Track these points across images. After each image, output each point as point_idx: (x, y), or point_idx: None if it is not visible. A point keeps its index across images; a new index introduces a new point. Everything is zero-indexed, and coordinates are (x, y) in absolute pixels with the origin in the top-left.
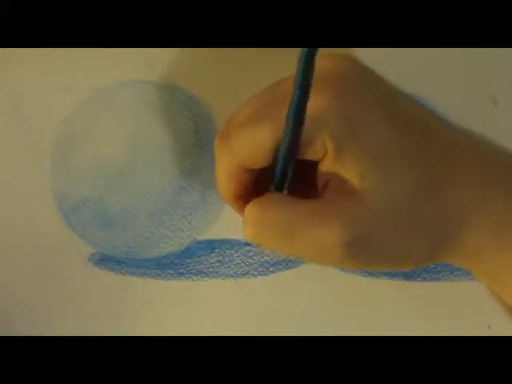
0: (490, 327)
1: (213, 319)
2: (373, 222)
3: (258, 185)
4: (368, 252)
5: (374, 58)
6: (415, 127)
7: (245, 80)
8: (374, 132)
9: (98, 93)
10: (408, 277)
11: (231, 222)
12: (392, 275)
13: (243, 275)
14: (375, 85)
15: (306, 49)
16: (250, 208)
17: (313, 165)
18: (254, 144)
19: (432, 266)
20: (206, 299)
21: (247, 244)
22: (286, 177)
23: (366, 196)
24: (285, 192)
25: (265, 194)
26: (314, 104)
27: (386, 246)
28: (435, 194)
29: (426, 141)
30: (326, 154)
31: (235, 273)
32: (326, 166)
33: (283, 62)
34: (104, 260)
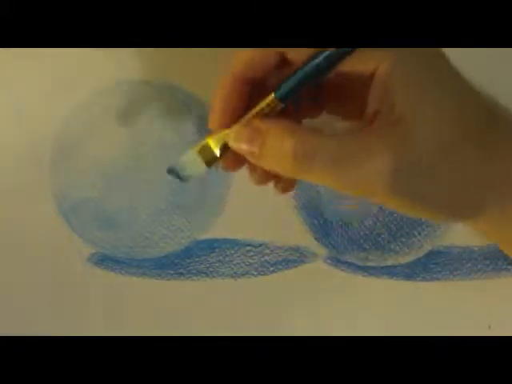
0: (489, 327)
1: (213, 319)
2: (420, 153)
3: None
4: (415, 185)
5: None
6: (472, 103)
7: None
8: (431, 73)
9: (98, 93)
10: (408, 277)
11: (231, 222)
12: (392, 275)
13: (243, 275)
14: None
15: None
16: (291, 143)
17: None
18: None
19: (432, 266)
20: (206, 299)
21: (247, 244)
22: (299, 86)
23: (415, 126)
24: (280, 106)
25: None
26: None
27: (433, 183)
28: (490, 146)
29: (482, 102)
30: (378, 68)
31: (235, 273)
32: (379, 83)
33: None
34: (104, 260)
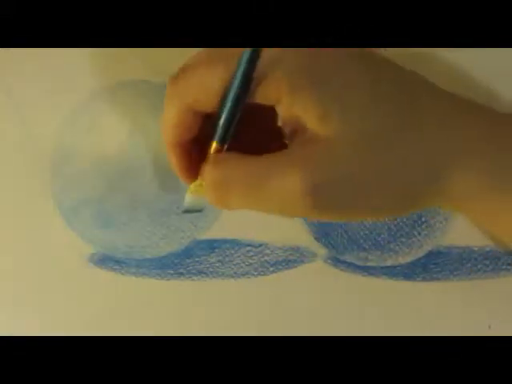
0: (489, 327)
1: (213, 319)
2: (339, 167)
3: (200, 137)
4: (335, 199)
5: None
6: (385, 75)
7: None
8: (335, 69)
9: (98, 93)
10: (408, 277)
11: (231, 222)
12: (392, 275)
13: (243, 275)
14: None
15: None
16: (211, 170)
17: (259, 121)
18: (203, 84)
19: (432, 266)
20: (206, 299)
21: (247, 244)
22: (231, 126)
23: (329, 140)
24: (225, 147)
25: (209, 149)
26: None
27: (353, 193)
28: (404, 142)
29: (396, 90)
30: (281, 96)
31: (235, 273)
32: (284, 111)
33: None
34: (104, 260)
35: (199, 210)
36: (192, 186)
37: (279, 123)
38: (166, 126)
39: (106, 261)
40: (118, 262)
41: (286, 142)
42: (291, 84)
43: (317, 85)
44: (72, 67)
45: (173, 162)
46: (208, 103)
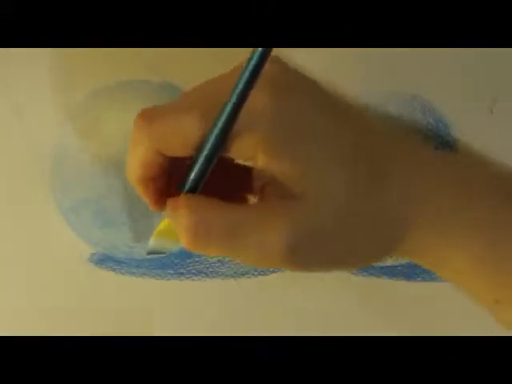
0: (490, 327)
1: (213, 319)
2: (316, 222)
3: (167, 171)
4: (313, 254)
5: (375, 58)
6: (352, 125)
7: None
8: (309, 132)
9: (98, 93)
10: (408, 277)
11: None
12: (392, 275)
13: (243, 275)
14: (309, 85)
15: (260, 49)
16: (186, 214)
17: (231, 169)
18: (180, 131)
19: None
20: (206, 299)
21: None
22: (204, 176)
23: (306, 197)
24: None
25: (180, 194)
26: (248, 103)
27: (331, 248)
28: (375, 193)
29: (362, 138)
30: (257, 154)
31: (235, 273)
32: (259, 167)
33: None
34: (104, 260)
35: (163, 253)
36: (161, 225)
37: (253, 176)
38: (129, 163)
39: (106, 261)
40: (118, 262)
41: (254, 193)
42: (267, 144)
43: (293, 145)
44: (72, 67)
45: (139, 193)
46: (181, 150)
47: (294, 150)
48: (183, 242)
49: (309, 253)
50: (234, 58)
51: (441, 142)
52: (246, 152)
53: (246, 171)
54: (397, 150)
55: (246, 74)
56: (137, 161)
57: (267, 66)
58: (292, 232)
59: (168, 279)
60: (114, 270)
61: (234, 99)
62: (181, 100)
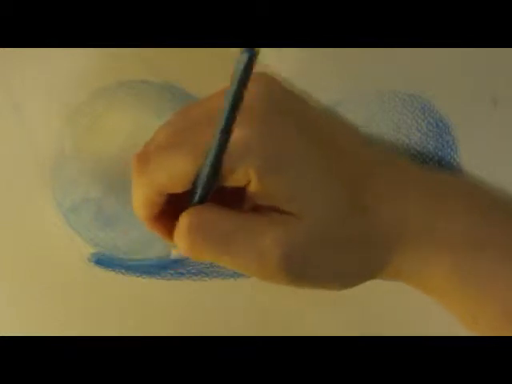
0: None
1: (213, 319)
2: (307, 239)
3: (174, 203)
4: (305, 266)
5: (374, 58)
6: (336, 148)
7: None
8: (296, 158)
9: (98, 93)
10: None
11: None
12: None
13: (243, 275)
14: (294, 107)
15: (242, 64)
16: (186, 218)
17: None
18: (175, 171)
19: None
20: (206, 299)
21: None
22: (205, 200)
23: (296, 217)
24: None
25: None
26: (235, 135)
27: (318, 268)
28: (360, 214)
29: (345, 160)
30: (250, 182)
31: (235, 273)
32: (252, 192)
33: (282, 62)
34: (104, 260)
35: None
36: None
37: (245, 195)
38: (134, 204)
39: (106, 261)
40: (118, 261)
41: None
42: (260, 172)
43: (283, 172)
44: (72, 67)
45: (150, 228)
46: (179, 188)
47: (282, 177)
48: (180, 247)
49: (300, 264)
50: (234, 58)
51: (441, 142)
52: (239, 182)
53: (238, 189)
54: (382, 172)
55: (230, 99)
56: (140, 202)
57: (250, 89)
58: (286, 241)
59: (168, 279)
60: (114, 269)
61: (221, 127)
62: (169, 133)
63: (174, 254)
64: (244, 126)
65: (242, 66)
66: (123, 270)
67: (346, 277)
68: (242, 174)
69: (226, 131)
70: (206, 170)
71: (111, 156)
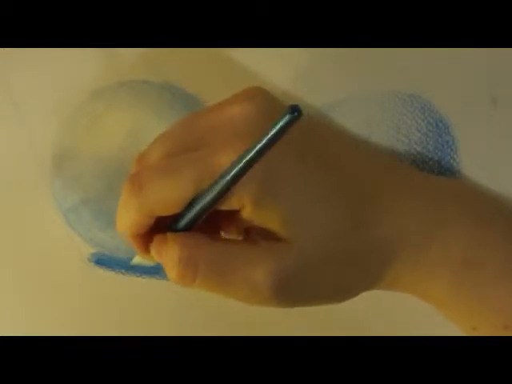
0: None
1: (213, 319)
2: (300, 262)
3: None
4: (298, 292)
5: (374, 58)
6: (332, 167)
7: (245, 80)
8: (291, 181)
9: (98, 93)
10: None
11: None
12: None
13: None
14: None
15: (287, 116)
16: (176, 250)
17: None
18: (171, 196)
19: None
20: (205, 299)
21: None
22: (193, 226)
23: (290, 240)
24: None
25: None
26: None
27: (316, 285)
28: (361, 228)
29: (347, 176)
30: (244, 207)
31: None
32: (246, 216)
33: (282, 62)
34: (104, 260)
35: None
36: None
37: (238, 219)
38: (119, 221)
39: (107, 261)
40: (118, 262)
41: (238, 232)
42: (254, 198)
43: (277, 197)
44: (72, 67)
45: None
46: (171, 211)
47: (277, 201)
48: (170, 277)
49: (294, 291)
50: (234, 58)
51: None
52: (233, 206)
53: (230, 212)
54: (383, 184)
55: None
56: (127, 222)
57: (239, 111)
58: (278, 271)
59: (168, 279)
60: (114, 270)
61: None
62: (165, 151)
63: (134, 262)
64: (236, 151)
65: (283, 124)
66: (123, 270)
67: (345, 290)
68: (237, 199)
69: (250, 165)
70: (209, 196)
71: (111, 156)
